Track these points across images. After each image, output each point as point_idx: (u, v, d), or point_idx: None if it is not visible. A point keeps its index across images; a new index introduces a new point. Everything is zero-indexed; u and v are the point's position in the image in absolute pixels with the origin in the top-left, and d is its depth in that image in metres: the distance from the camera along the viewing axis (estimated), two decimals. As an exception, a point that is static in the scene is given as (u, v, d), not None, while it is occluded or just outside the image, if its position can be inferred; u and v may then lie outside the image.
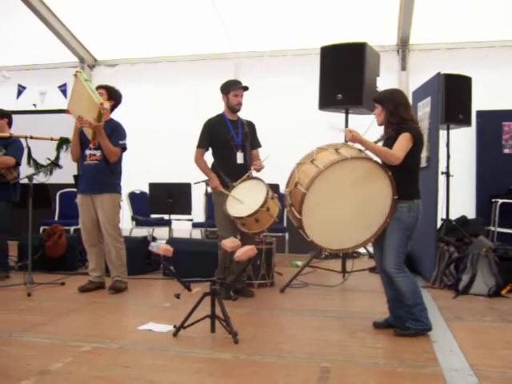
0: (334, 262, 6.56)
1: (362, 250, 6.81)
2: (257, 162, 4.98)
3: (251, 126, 5.22)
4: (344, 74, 5.36)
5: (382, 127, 3.79)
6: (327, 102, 5.52)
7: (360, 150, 3.65)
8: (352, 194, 3.62)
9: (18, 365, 3.10)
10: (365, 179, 3.59)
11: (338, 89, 5.37)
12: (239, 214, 4.60)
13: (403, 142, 3.54)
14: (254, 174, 4.99)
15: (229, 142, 5.00)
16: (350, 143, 3.74)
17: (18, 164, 5.76)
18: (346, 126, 5.52)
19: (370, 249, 5.27)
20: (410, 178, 3.66)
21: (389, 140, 3.66)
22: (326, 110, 5.69)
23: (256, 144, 5.23)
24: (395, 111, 3.63)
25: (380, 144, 3.74)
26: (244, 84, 5.08)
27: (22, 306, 4.59)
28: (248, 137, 5.08)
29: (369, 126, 3.78)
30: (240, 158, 5.02)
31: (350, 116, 5.62)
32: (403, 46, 7.76)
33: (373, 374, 2.99)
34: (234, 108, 5.05)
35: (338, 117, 5.72)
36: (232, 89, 5.01)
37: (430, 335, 3.63)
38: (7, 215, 5.75)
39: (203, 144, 5.06)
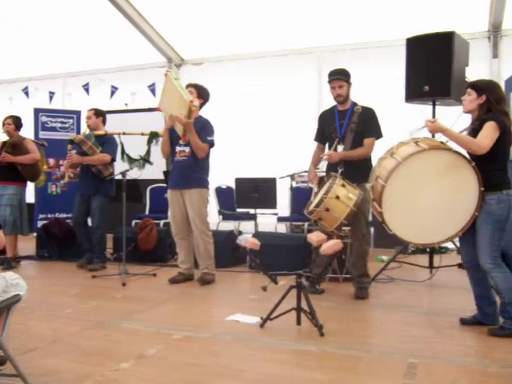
0: (421, 257, 6.42)
1: (450, 245, 6.61)
2: (325, 153, 4.76)
3: (364, 115, 4.67)
4: (431, 65, 5.22)
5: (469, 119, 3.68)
6: (414, 94, 5.42)
7: (442, 142, 3.59)
8: (435, 186, 3.55)
9: (118, 348, 3.33)
10: (447, 170, 3.51)
11: (425, 80, 5.24)
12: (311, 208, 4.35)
13: (488, 131, 3.41)
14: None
15: (331, 135, 4.87)
16: (433, 137, 3.66)
17: (113, 160, 6.12)
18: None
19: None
20: (497, 168, 3.50)
21: (474, 131, 3.53)
22: (412, 103, 5.58)
23: (368, 133, 4.74)
24: (499, 101, 3.51)
25: (465, 133, 3.62)
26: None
27: (118, 295, 4.87)
28: (352, 128, 4.63)
29: (457, 117, 3.68)
30: (340, 150, 4.74)
31: (437, 108, 5.46)
32: (495, 31, 7.39)
33: (462, 372, 2.93)
34: (335, 100, 4.88)
35: (424, 109, 5.59)
36: (328, 81, 4.89)
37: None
38: (106, 209, 6.12)
39: (315, 137, 5.07)
